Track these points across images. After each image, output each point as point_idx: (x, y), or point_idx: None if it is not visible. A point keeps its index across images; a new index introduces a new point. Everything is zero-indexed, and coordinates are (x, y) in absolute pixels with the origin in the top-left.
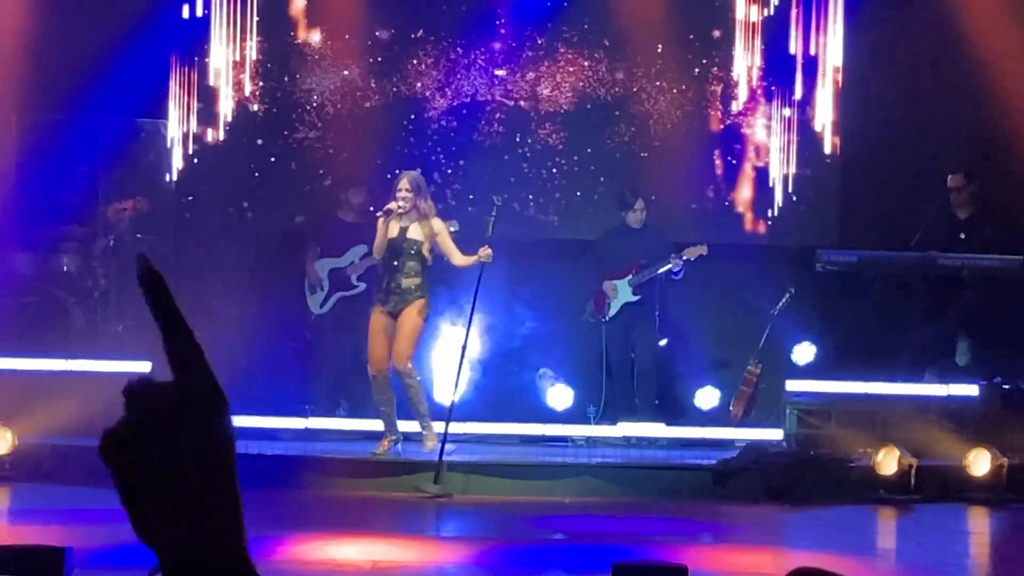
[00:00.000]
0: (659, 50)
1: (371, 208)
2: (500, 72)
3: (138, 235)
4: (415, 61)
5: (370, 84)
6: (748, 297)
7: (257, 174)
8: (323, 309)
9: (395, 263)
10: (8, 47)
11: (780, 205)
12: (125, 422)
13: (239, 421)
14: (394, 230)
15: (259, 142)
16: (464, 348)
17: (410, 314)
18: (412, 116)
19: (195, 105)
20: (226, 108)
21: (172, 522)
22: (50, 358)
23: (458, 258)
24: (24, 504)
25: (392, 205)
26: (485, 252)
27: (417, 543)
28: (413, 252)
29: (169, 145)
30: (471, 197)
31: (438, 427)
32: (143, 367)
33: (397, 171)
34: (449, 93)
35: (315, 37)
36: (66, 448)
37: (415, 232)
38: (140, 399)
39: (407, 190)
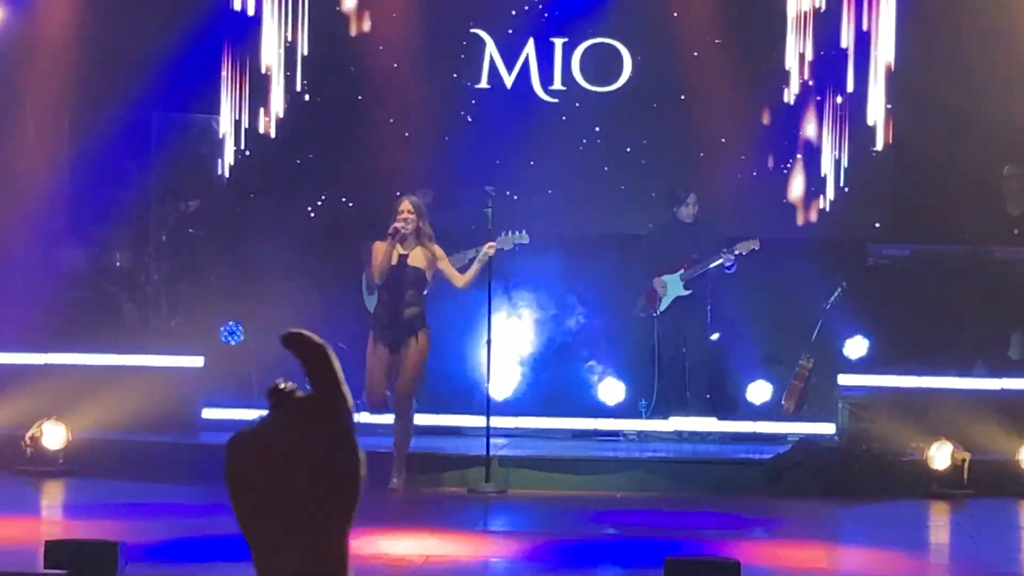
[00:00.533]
0: (712, 43)
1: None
2: (552, 65)
3: (190, 230)
4: (466, 53)
5: (422, 76)
6: (800, 291)
7: (310, 168)
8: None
9: (395, 292)
10: (60, 44)
11: (832, 199)
12: (261, 420)
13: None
14: (393, 257)
15: (312, 135)
16: (489, 343)
17: (415, 347)
18: (463, 110)
19: (247, 99)
20: (278, 101)
21: (286, 536)
22: (103, 353)
23: (461, 280)
24: (78, 498)
25: (399, 225)
26: (487, 249)
27: (468, 538)
28: (415, 280)
29: (221, 140)
30: (508, 194)
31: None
32: (195, 362)
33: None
34: (500, 86)
35: (366, 27)
36: (119, 443)
37: (417, 259)
38: (279, 399)
39: (409, 212)
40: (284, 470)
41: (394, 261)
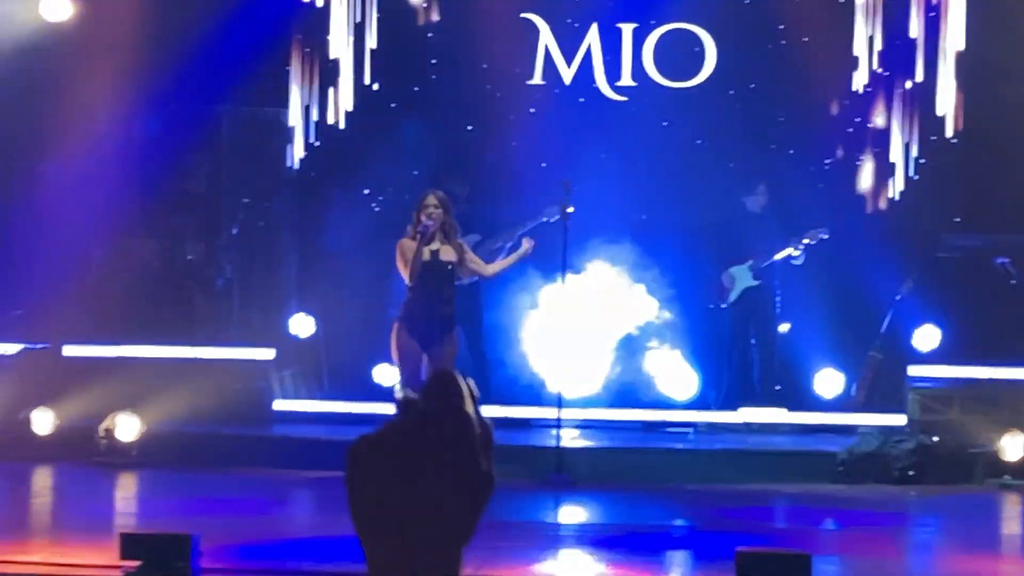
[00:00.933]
0: (778, 30)
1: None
2: (623, 58)
3: (260, 223)
4: (536, 46)
5: (492, 69)
6: (870, 281)
7: (377, 160)
8: None
9: (432, 289)
10: (130, 38)
11: (902, 188)
12: (387, 425)
13: (360, 408)
14: (425, 254)
15: (379, 127)
16: (560, 335)
17: (450, 346)
18: (532, 105)
19: (315, 92)
20: (346, 93)
21: (409, 540)
22: (175, 346)
23: (490, 268)
24: (151, 490)
25: (428, 223)
26: (526, 245)
27: (539, 529)
28: (450, 276)
29: (290, 133)
30: (565, 181)
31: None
32: (267, 354)
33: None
34: (570, 78)
35: (434, 17)
36: (192, 434)
37: (448, 253)
38: (409, 405)
39: (435, 206)
40: (412, 475)
41: (427, 258)
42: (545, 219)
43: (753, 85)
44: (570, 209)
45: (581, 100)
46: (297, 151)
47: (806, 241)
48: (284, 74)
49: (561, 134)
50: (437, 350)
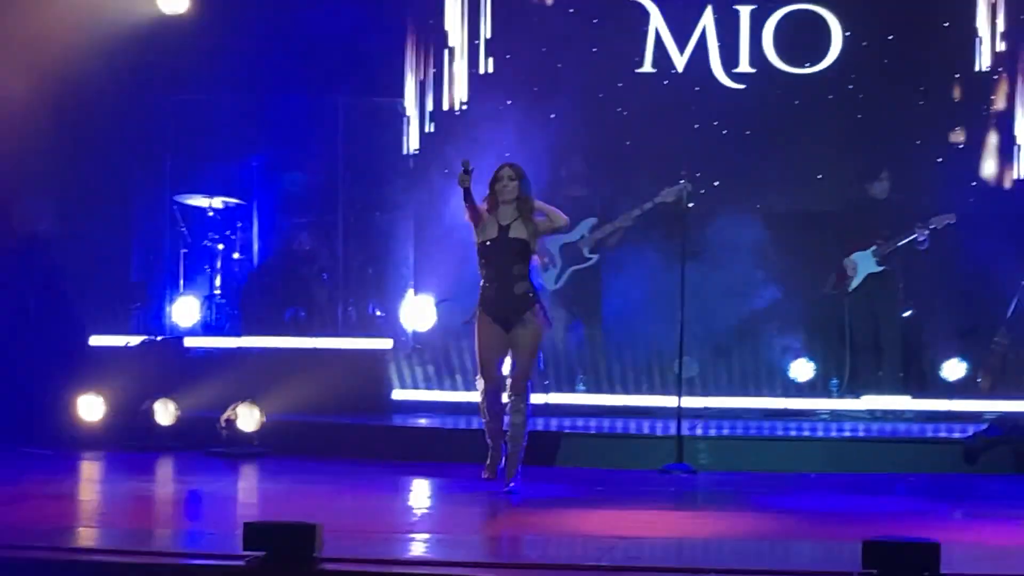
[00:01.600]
0: (899, 14)
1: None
2: (738, 41)
3: (376, 212)
4: (652, 33)
5: (604, 53)
6: (995, 266)
7: (491, 145)
8: (558, 285)
9: (501, 267)
10: (245, 30)
11: None
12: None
13: (469, 397)
14: (492, 229)
15: (494, 114)
16: (682, 323)
17: (531, 327)
18: (648, 91)
19: (430, 80)
20: (461, 81)
21: None
22: (294, 336)
23: (563, 219)
24: (273, 480)
25: (492, 199)
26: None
27: (661, 517)
28: (520, 252)
29: (405, 122)
30: (682, 173)
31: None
32: (384, 344)
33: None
34: (688, 65)
35: (547, 2)
36: (312, 425)
37: (519, 230)
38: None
39: (510, 178)
40: None
41: (494, 234)
42: (659, 202)
43: (873, 67)
44: (691, 204)
45: (696, 89)
46: (412, 139)
47: (932, 226)
48: (399, 62)
49: (676, 120)
50: (518, 332)
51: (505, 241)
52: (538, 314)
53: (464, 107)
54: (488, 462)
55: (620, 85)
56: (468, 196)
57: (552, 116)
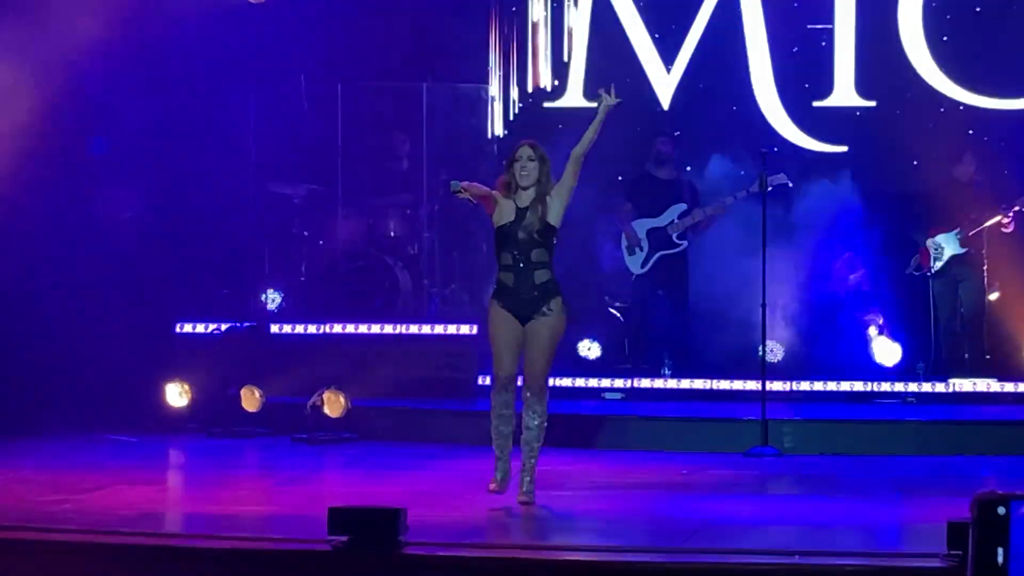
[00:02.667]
0: None
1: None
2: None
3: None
4: (734, 13)
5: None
6: None
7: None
8: (644, 269)
9: (520, 253)
10: (327, 17)
11: None
12: None
13: (566, 382)
14: (509, 212)
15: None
16: (764, 306)
17: (551, 319)
18: (744, 75)
19: (515, 65)
20: (546, 65)
21: None
22: (379, 323)
23: (577, 149)
24: (358, 465)
25: (510, 179)
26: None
27: (746, 500)
28: (541, 236)
29: (490, 107)
30: (763, 151)
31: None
32: (470, 329)
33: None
34: (772, 43)
35: None
36: (397, 410)
37: (538, 212)
38: None
39: (530, 159)
40: None
41: (511, 217)
42: (750, 191)
43: (959, 49)
44: (776, 181)
45: (784, 61)
46: (497, 125)
47: (1016, 208)
48: (484, 47)
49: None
50: (535, 325)
51: (523, 225)
52: (560, 306)
53: (548, 93)
54: (497, 474)
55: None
56: (467, 193)
57: (637, 102)
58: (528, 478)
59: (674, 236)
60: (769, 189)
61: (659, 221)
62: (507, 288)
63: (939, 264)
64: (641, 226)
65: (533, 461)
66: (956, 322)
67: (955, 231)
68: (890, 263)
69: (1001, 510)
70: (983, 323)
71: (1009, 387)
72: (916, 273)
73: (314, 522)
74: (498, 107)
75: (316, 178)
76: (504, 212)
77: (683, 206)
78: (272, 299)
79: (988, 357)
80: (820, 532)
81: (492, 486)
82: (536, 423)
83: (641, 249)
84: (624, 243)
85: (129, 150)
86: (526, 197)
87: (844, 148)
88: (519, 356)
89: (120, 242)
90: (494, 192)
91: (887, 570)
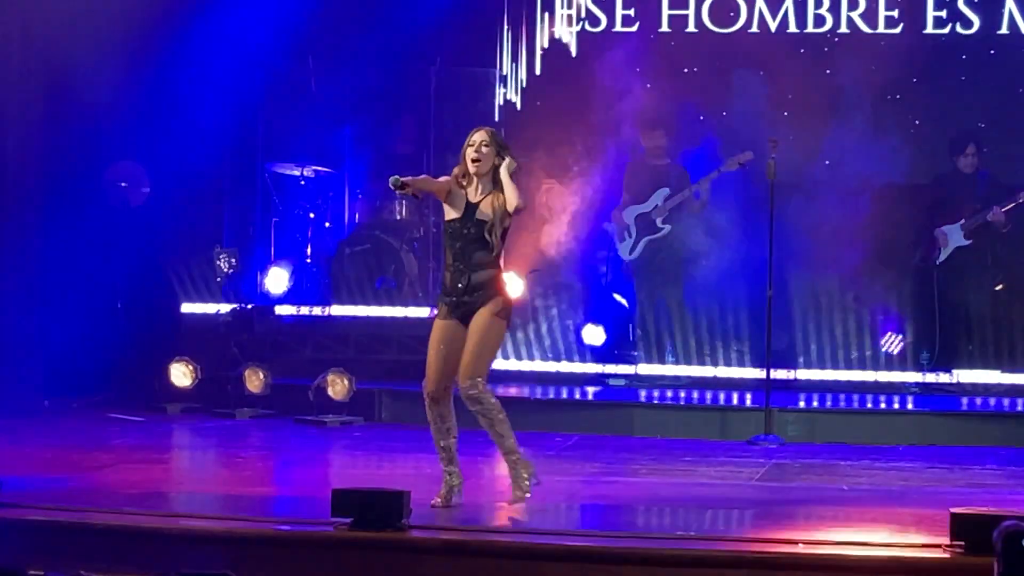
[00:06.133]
0: None
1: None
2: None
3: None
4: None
5: (700, 26)
6: None
7: (578, 114)
8: (633, 255)
9: (463, 249)
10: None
11: None
12: None
13: (568, 367)
14: (459, 205)
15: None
16: (770, 297)
17: (483, 317)
18: (737, 55)
19: (523, 50)
20: (551, 52)
21: None
22: (384, 305)
23: (516, 198)
24: (362, 448)
25: (463, 169)
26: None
27: (747, 487)
28: (488, 233)
29: (497, 92)
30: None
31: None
32: None
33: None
34: (778, 28)
35: None
36: (401, 393)
37: (487, 207)
38: None
39: (485, 144)
40: None
41: (459, 212)
42: (724, 170)
43: (964, 39)
44: (749, 157)
45: (793, 49)
46: (505, 108)
47: (1010, 203)
48: (492, 32)
49: (766, 87)
50: (473, 326)
51: (471, 221)
52: (500, 305)
53: (553, 78)
54: (442, 488)
55: (707, 50)
56: (410, 188)
57: (648, 86)
58: (524, 474)
59: (658, 220)
60: (738, 167)
61: (644, 207)
62: (447, 288)
63: (944, 255)
64: (630, 212)
65: (515, 453)
66: (961, 313)
67: (959, 223)
68: (894, 254)
69: None
70: (988, 314)
71: (1014, 379)
72: (922, 264)
73: (318, 504)
74: (506, 92)
75: (323, 160)
76: (455, 204)
77: (667, 190)
78: (277, 281)
79: (993, 348)
80: (822, 520)
81: (436, 500)
82: (490, 413)
83: (630, 235)
84: (615, 230)
85: (135, 130)
86: (479, 190)
87: None
88: (453, 362)
89: (126, 221)
90: (446, 180)
91: (890, 560)
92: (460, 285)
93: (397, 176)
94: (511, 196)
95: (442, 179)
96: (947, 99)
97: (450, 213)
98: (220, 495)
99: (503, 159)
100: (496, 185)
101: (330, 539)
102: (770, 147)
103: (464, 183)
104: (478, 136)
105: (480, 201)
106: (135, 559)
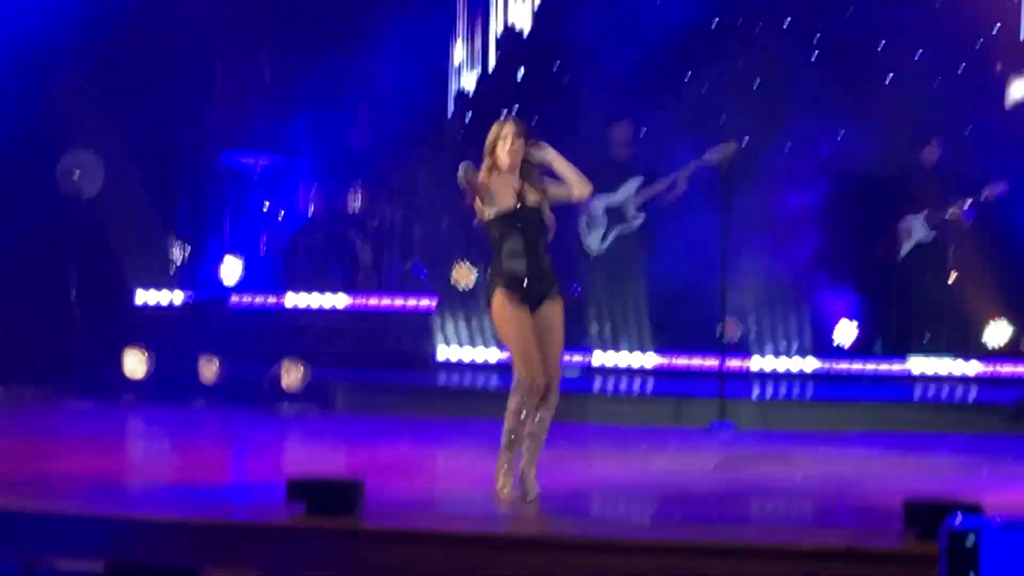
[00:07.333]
0: None
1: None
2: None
3: (421, 173)
4: None
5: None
6: None
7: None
8: (604, 245)
9: (530, 237)
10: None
11: None
12: None
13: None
14: (507, 196)
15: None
16: (724, 286)
17: (559, 310)
18: (698, 49)
19: (478, 43)
20: (506, 44)
21: None
22: (338, 295)
23: (587, 184)
24: (317, 437)
25: (491, 162)
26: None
27: (701, 473)
28: (543, 221)
29: (451, 84)
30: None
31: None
32: (429, 303)
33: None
34: (744, 20)
35: None
36: (356, 382)
37: (532, 196)
38: None
39: (516, 136)
40: None
41: (514, 202)
42: (706, 160)
43: (924, 34)
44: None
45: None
46: (459, 101)
47: (981, 198)
48: (448, 25)
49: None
50: (548, 316)
51: (527, 209)
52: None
53: (507, 71)
54: (503, 477)
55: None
56: (474, 184)
57: (599, 78)
58: (535, 476)
59: (631, 211)
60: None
61: (615, 196)
62: (520, 277)
63: (907, 247)
64: (599, 202)
65: (536, 457)
66: (918, 303)
67: (922, 214)
68: (853, 244)
69: (970, 541)
70: (944, 304)
71: (967, 367)
72: (882, 255)
73: (273, 492)
74: (457, 85)
75: (278, 149)
76: (502, 197)
77: (640, 179)
78: (231, 270)
79: (947, 337)
80: (776, 508)
81: (505, 491)
82: (548, 416)
83: (600, 226)
84: (583, 221)
85: (87, 119)
86: (514, 180)
87: None
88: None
89: (79, 210)
90: (484, 176)
91: (843, 548)
92: (536, 272)
93: (470, 164)
94: (578, 180)
95: (481, 176)
96: (908, 90)
97: (501, 205)
98: (173, 484)
99: (540, 147)
100: (526, 176)
101: (285, 529)
102: (734, 139)
103: (491, 178)
104: (508, 128)
105: (521, 189)
106: (90, 546)
